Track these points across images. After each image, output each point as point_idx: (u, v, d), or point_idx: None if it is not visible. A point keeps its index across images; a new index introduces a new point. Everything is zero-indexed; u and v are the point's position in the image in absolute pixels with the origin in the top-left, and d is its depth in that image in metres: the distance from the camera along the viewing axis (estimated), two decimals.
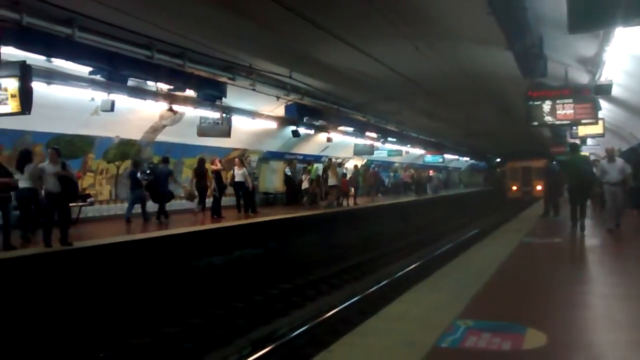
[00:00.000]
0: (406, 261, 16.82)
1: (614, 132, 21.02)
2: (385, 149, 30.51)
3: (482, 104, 20.35)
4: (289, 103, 18.45)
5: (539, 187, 33.70)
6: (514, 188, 40.64)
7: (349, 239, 18.81)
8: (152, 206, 15.06)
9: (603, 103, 15.94)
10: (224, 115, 16.57)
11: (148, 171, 15.31)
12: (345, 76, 16.37)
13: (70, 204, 11.65)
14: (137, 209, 14.60)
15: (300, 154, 24.94)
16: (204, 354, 8.79)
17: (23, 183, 10.34)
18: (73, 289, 9.20)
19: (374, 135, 25.89)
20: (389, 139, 27.35)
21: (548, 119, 12.79)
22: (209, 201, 16.45)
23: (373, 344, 4.42)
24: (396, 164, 37.29)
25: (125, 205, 15.36)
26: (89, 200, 14.29)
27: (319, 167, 24.12)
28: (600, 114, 17.63)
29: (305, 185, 21.57)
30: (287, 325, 10.01)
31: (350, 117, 22.15)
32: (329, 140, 23.84)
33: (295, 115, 18.89)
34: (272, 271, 13.70)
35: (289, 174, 23.20)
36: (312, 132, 22.39)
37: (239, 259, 13.73)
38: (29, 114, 9.64)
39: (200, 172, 16.03)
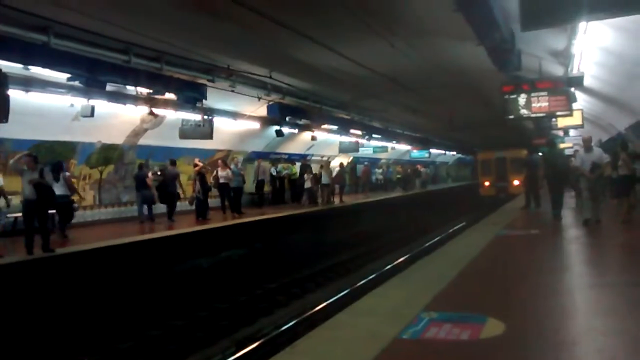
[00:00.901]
0: (392, 256, 16.96)
1: (594, 123, 21.33)
2: (371, 146, 30.71)
3: (463, 98, 20.49)
4: (270, 103, 18.53)
5: (516, 182, 30.20)
6: (486, 184, 34.01)
7: (337, 237, 18.90)
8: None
9: (580, 94, 16.21)
10: (205, 117, 16.63)
11: (159, 173, 16.11)
12: (325, 75, 16.47)
13: (50, 211, 11.69)
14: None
15: (285, 153, 25.04)
16: (188, 354, 8.89)
17: (59, 190, 11.23)
18: (55, 295, 9.27)
19: (358, 132, 26.05)
20: (374, 135, 27.50)
21: (524, 112, 13.01)
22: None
23: (337, 336, 4.56)
24: (383, 160, 37.44)
25: (110, 209, 15.44)
26: (72, 206, 14.29)
27: (291, 166, 24.20)
28: (579, 105, 18.02)
29: (307, 184, 21.69)
30: (271, 325, 10.12)
31: (333, 115, 22.27)
32: (313, 138, 24.00)
33: (277, 114, 18.96)
34: (259, 271, 13.78)
35: (274, 173, 23.28)
36: (295, 131, 22.50)
37: (226, 260, 13.85)
38: (6, 122, 9.68)
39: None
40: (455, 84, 17.45)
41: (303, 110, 20.01)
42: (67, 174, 12.67)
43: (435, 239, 19.46)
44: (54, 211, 12.48)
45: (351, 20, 10.96)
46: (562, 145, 28.93)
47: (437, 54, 14.14)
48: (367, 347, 4.13)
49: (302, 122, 21.55)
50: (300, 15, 10.83)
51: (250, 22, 11.06)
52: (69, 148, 14.81)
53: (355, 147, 28.10)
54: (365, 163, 33.56)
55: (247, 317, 10.72)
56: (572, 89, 13.51)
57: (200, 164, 16.87)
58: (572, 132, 28.53)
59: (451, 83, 17.22)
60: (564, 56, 11.92)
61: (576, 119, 17.69)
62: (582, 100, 17.11)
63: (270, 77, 16.05)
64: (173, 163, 16.18)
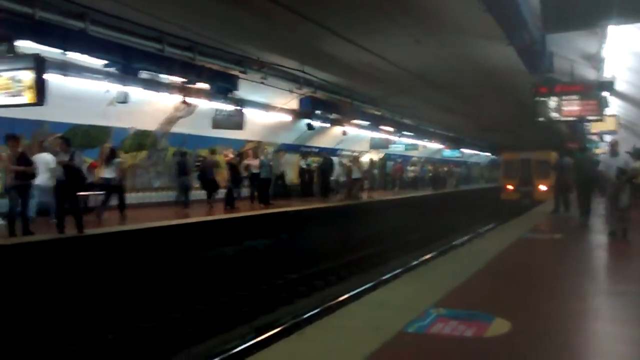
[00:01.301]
0: (417, 253, 16.96)
1: (630, 129, 20.93)
2: (403, 143, 30.62)
3: (496, 98, 20.30)
4: (303, 96, 18.68)
5: (542, 187, 27.87)
6: (509, 187, 31.04)
7: (363, 232, 18.93)
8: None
9: (614, 100, 15.93)
10: (237, 108, 16.86)
11: (198, 163, 17.15)
12: (356, 70, 16.53)
13: (81, 193, 12.04)
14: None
15: (315, 147, 25.15)
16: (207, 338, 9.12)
17: (109, 174, 13.05)
18: (80, 274, 9.58)
19: (389, 128, 26.03)
20: (405, 132, 27.44)
21: (554, 115, 12.88)
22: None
23: (344, 326, 4.65)
24: (414, 158, 37.30)
25: (141, 194, 15.89)
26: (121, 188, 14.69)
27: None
28: (613, 111, 17.69)
29: (342, 178, 21.85)
30: (291, 314, 10.28)
31: (364, 110, 22.33)
32: (344, 133, 24.08)
33: (309, 108, 19.11)
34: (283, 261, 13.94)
35: (304, 166, 23.44)
36: (326, 125, 22.60)
37: (251, 250, 14.07)
38: (43, 104, 10.01)
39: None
40: (486, 84, 17.33)
41: (334, 104, 20.12)
42: (119, 159, 13.65)
43: (463, 239, 19.35)
44: (86, 193, 13.07)
45: (380, 17, 11.03)
46: (597, 151, 28.47)
47: (468, 52, 14.07)
48: (371, 338, 4.21)
49: (333, 116, 21.67)
50: (329, 12, 10.94)
51: (281, 17, 11.23)
52: (104, 132, 15.21)
53: (386, 143, 28.10)
54: (399, 160, 33.55)
55: (267, 306, 10.90)
56: (605, 94, 13.27)
57: (231, 155, 17.09)
58: (607, 138, 28.05)
59: (482, 82, 17.11)
60: (596, 60, 11.74)
61: (610, 124, 17.45)
62: (616, 106, 16.81)
63: (303, 71, 16.22)
64: (212, 152, 16.71)
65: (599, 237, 11.08)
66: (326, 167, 21.56)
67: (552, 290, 6.08)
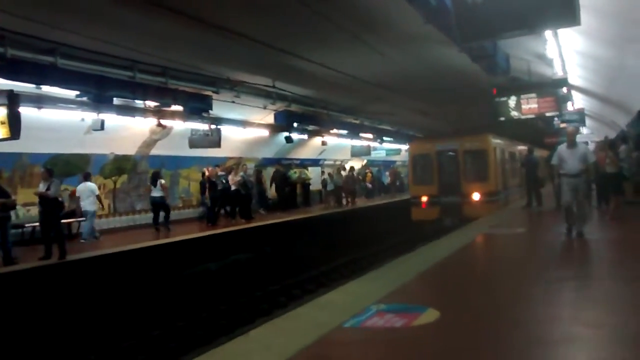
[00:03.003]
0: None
1: (600, 121, 21.50)
2: (384, 149, 31.14)
3: (466, 99, 20.81)
4: (278, 110, 19.16)
5: (475, 196, 17.92)
6: (422, 199, 19.10)
7: (344, 239, 19.34)
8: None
9: (577, 95, 16.49)
10: (212, 126, 17.33)
11: (224, 180, 18.09)
12: (327, 82, 17.02)
13: (65, 220, 12.56)
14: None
15: (297, 159, 25.65)
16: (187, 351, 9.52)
17: (155, 193, 15.36)
18: (66, 297, 10.01)
19: (369, 135, 26.55)
20: (385, 138, 27.97)
21: (514, 113, 13.40)
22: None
23: (287, 326, 5.11)
24: (398, 163, 37.82)
25: (124, 217, 16.37)
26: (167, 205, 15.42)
27: (304, 171, 24.93)
28: (580, 105, 18.27)
29: (330, 187, 22.50)
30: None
31: (342, 120, 22.84)
32: (323, 143, 24.60)
33: (284, 122, 19.58)
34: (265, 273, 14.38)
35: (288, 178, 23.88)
36: (305, 137, 23.08)
37: (234, 263, 14.54)
38: (18, 139, 10.46)
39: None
40: (455, 86, 17.81)
41: (310, 116, 20.62)
42: (163, 181, 15.64)
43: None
44: (68, 220, 13.59)
45: (345, 37, 11.57)
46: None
47: (431, 59, 14.56)
48: (308, 335, 4.66)
49: (311, 128, 22.15)
50: (296, 40, 11.58)
51: (248, 43, 11.75)
52: (84, 160, 15.66)
53: (367, 150, 28.60)
54: (394, 165, 34.43)
55: (247, 317, 11.31)
56: (563, 90, 13.84)
57: (208, 172, 17.58)
58: (584, 130, 28.70)
59: (451, 85, 17.59)
60: (546, 59, 12.28)
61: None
62: (581, 100, 17.38)
63: (274, 87, 16.71)
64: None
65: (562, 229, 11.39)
66: (278, 178, 22.22)
67: (490, 283, 6.55)
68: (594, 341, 4.31)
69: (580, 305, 5.40)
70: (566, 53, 11.35)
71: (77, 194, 13.97)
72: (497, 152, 18.45)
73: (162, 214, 15.74)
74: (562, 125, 20.53)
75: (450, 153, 18.77)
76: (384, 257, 16.71)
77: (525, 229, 11.45)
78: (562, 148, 9.73)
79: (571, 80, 14.55)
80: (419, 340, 4.45)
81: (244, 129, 19.73)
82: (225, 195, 17.82)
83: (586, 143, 21.76)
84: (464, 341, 4.39)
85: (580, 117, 19.92)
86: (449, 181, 18.42)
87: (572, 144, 9.64)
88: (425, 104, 21.56)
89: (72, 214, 14.23)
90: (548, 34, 9.60)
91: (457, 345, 4.28)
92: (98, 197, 14.34)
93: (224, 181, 17.83)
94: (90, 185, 14.14)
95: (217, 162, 20.01)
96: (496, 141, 18.86)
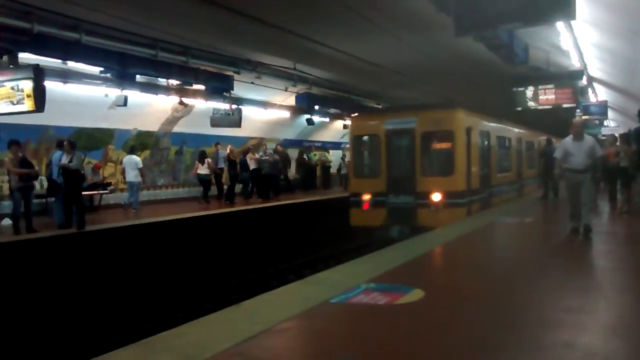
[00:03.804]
0: None
1: (624, 113, 21.24)
2: None
3: (488, 87, 20.72)
4: (299, 93, 19.38)
5: (435, 197, 12.82)
6: (365, 198, 13.83)
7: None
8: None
9: (600, 87, 16.35)
10: (234, 106, 17.63)
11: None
12: (348, 66, 17.14)
13: (87, 192, 13.05)
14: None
15: (319, 141, 25.86)
16: None
17: (202, 170, 16.78)
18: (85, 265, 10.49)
19: None
20: None
21: (531, 104, 13.40)
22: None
23: (277, 299, 5.38)
24: None
25: (145, 192, 16.86)
26: (109, 188, 15.63)
27: (324, 154, 25.17)
28: (603, 97, 18.10)
29: (344, 171, 22.82)
30: None
31: (364, 104, 22.92)
32: (345, 127, 24.72)
33: (305, 104, 19.79)
34: None
35: (307, 160, 24.15)
36: (327, 119, 23.26)
37: None
38: (43, 111, 10.86)
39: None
40: (474, 74, 17.78)
41: (331, 99, 20.78)
42: (209, 160, 17.08)
43: None
44: (90, 192, 14.12)
45: (362, 21, 11.69)
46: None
47: (451, 46, 14.55)
48: (294, 307, 4.92)
49: (332, 111, 22.32)
50: (319, 27, 11.70)
51: (272, 15, 11.93)
52: (107, 134, 16.11)
53: None
54: None
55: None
56: (582, 82, 13.77)
57: (228, 151, 17.94)
58: (611, 123, 28.36)
59: (470, 72, 17.56)
60: (563, 51, 12.24)
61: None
62: (604, 93, 17.22)
63: (295, 69, 16.89)
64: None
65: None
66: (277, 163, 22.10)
67: (482, 268, 6.72)
68: (566, 326, 4.47)
69: (560, 294, 5.54)
70: (583, 45, 11.29)
71: (122, 166, 15.10)
72: (472, 135, 13.39)
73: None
74: (585, 117, 20.34)
75: (404, 134, 13.44)
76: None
77: (533, 219, 11.50)
78: (568, 141, 8.91)
79: (591, 73, 14.45)
80: (396, 316, 4.68)
81: (265, 110, 19.99)
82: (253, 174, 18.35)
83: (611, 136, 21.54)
84: (438, 319, 4.60)
85: (602, 109, 19.69)
86: (401, 174, 13.32)
87: (579, 136, 8.75)
88: (445, 90, 21.50)
89: (94, 186, 14.71)
90: (560, 25, 9.58)
91: (431, 323, 4.50)
92: (141, 170, 14.90)
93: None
94: (135, 158, 14.96)
95: (239, 141, 20.36)
96: (472, 119, 13.77)
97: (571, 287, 5.78)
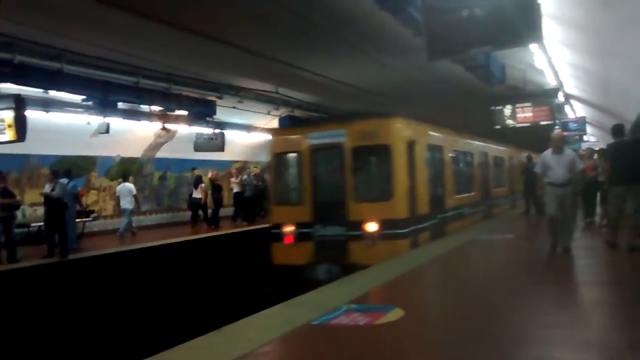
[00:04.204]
0: None
1: (603, 129, 21.61)
2: None
3: (469, 107, 21.00)
4: (282, 115, 19.48)
5: (372, 227, 10.39)
6: (287, 230, 11.25)
7: None
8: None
9: (577, 104, 16.67)
10: (217, 130, 17.72)
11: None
12: (331, 90, 17.33)
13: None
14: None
15: None
16: None
17: (196, 194, 17.34)
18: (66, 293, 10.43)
19: None
20: None
21: (509, 122, 13.64)
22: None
23: (259, 323, 5.44)
24: None
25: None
26: (92, 216, 15.59)
27: None
28: (581, 113, 18.44)
29: None
30: None
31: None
32: None
33: (288, 127, 19.85)
34: None
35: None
36: None
37: None
38: (24, 141, 10.89)
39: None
40: (454, 94, 18.01)
41: (314, 122, 20.88)
42: (203, 185, 17.53)
43: None
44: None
45: (341, 45, 11.88)
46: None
47: (426, 68, 14.76)
48: (275, 330, 4.98)
49: None
50: (300, 54, 11.86)
51: (251, 46, 12.09)
52: (90, 162, 16.11)
53: None
54: None
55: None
56: (559, 100, 14.07)
57: (210, 175, 18.06)
58: (592, 139, 28.82)
59: (451, 93, 17.80)
60: (538, 70, 12.52)
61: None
62: (582, 109, 17.56)
63: (277, 92, 17.06)
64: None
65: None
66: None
67: (460, 286, 6.82)
68: (541, 342, 4.56)
69: (538, 310, 5.63)
70: (558, 64, 11.57)
71: (117, 194, 15.43)
72: (416, 149, 11.47)
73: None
74: (565, 133, 20.69)
75: (332, 150, 11.21)
76: None
77: (513, 236, 11.63)
78: (547, 154, 8.71)
79: (568, 90, 14.75)
80: (376, 336, 4.75)
81: (249, 134, 20.10)
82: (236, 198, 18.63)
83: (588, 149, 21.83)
84: (417, 338, 4.68)
85: (581, 125, 20.09)
86: (330, 200, 11.03)
87: (559, 149, 8.61)
88: (427, 112, 21.74)
89: (77, 213, 14.65)
90: (534, 46, 9.83)
91: (410, 342, 4.57)
92: (135, 197, 15.26)
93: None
94: (129, 185, 15.35)
95: (223, 165, 20.42)
96: (415, 130, 12.04)
97: (549, 303, 5.89)
